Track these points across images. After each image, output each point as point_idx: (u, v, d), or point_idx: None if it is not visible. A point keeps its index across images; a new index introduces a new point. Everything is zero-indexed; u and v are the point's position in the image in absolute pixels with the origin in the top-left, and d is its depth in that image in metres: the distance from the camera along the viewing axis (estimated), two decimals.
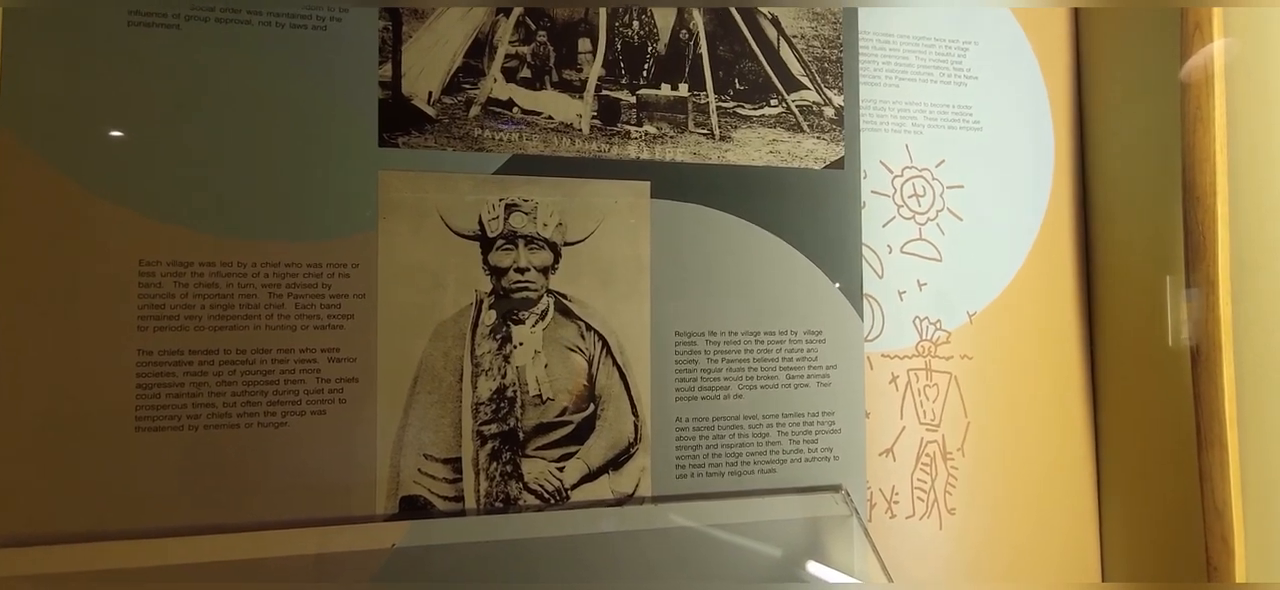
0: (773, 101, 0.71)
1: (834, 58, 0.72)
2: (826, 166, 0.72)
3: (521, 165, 0.64)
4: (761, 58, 0.71)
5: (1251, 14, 0.63)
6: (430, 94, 0.63)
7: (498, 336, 0.63)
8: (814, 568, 0.68)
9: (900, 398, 0.76)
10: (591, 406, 0.65)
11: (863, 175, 0.74)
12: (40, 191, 0.55)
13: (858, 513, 0.69)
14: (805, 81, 0.72)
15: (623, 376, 0.66)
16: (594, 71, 0.66)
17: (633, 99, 0.67)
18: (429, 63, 0.63)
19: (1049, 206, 0.80)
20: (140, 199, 0.56)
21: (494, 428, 0.63)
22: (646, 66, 0.68)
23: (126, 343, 0.56)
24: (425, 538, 0.60)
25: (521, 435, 0.63)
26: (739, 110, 0.70)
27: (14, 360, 0.54)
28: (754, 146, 0.70)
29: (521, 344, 0.64)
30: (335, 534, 0.58)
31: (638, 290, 0.66)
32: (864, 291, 0.73)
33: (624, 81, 0.67)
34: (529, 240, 0.64)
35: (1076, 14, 0.83)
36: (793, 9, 0.71)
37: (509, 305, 0.63)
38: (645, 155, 0.67)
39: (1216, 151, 0.63)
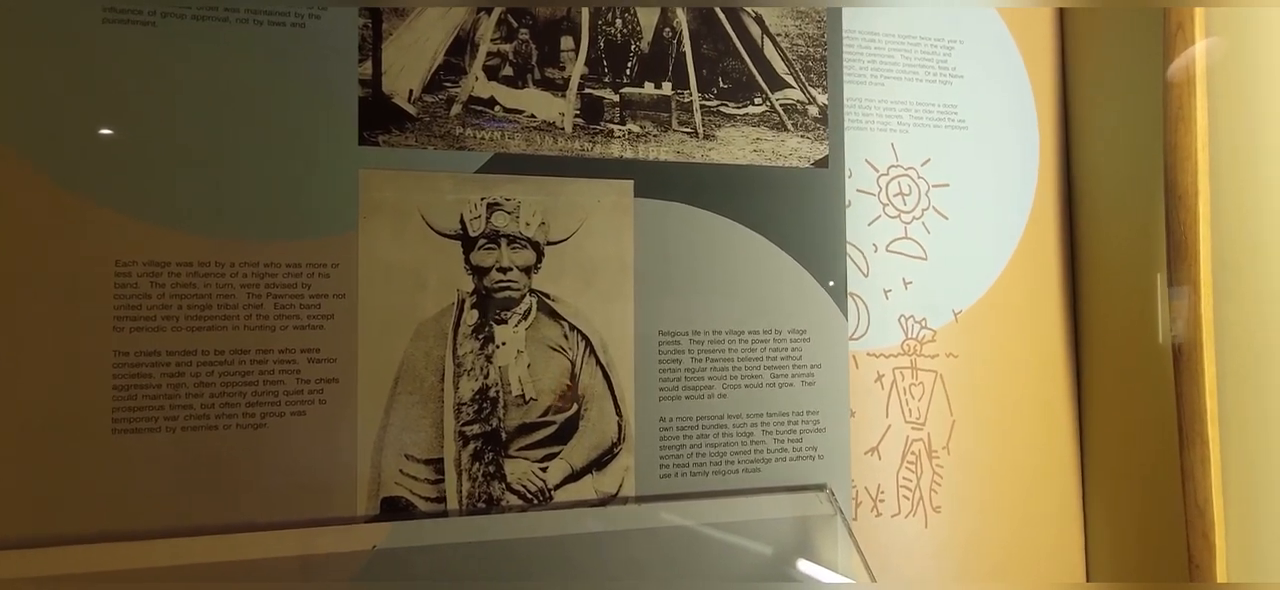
0: (757, 100, 0.70)
1: (818, 56, 0.72)
2: (811, 165, 0.71)
3: (504, 164, 0.64)
4: (745, 56, 0.70)
5: (1233, 13, 0.63)
6: (411, 92, 0.62)
7: (480, 336, 0.63)
8: (799, 566, 0.68)
9: (886, 396, 0.76)
10: (575, 406, 0.65)
11: (848, 174, 0.74)
12: (13, 189, 0.54)
13: (842, 511, 0.69)
14: (790, 80, 0.71)
15: (606, 376, 0.65)
16: (577, 70, 0.66)
17: (616, 97, 0.67)
18: (410, 61, 0.62)
19: (1034, 205, 0.81)
20: (116, 197, 0.56)
21: (476, 428, 0.62)
22: (630, 65, 0.67)
23: (102, 344, 0.55)
24: (407, 539, 0.60)
25: (504, 435, 0.63)
26: (723, 109, 0.69)
27: None
28: (738, 145, 0.70)
29: (504, 344, 0.63)
30: (316, 535, 0.58)
31: (621, 290, 0.66)
32: (849, 290, 0.73)
33: (607, 80, 0.67)
34: (511, 239, 0.64)
35: (1061, 13, 0.83)
36: (776, 8, 0.71)
37: (491, 305, 0.63)
38: (629, 154, 0.67)
39: (1198, 150, 0.63)
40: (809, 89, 0.72)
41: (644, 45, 0.68)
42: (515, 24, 0.65)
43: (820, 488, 0.70)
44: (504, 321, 0.63)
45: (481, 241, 0.63)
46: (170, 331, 0.57)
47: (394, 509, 0.60)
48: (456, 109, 0.63)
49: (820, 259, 0.71)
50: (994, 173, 0.80)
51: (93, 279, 0.55)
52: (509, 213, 0.64)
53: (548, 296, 0.65)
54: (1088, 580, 0.79)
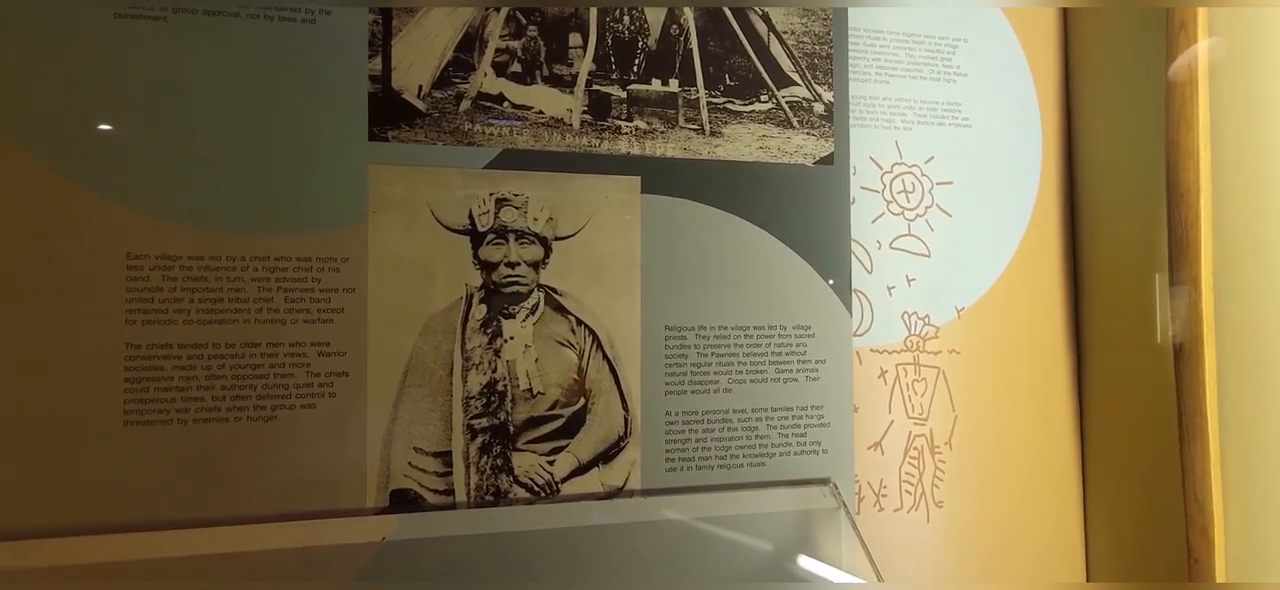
0: (763, 97, 0.71)
1: (824, 54, 0.73)
2: (816, 162, 0.72)
3: (512, 160, 0.64)
4: (752, 53, 0.71)
5: (1235, 12, 0.63)
6: (420, 88, 0.63)
7: (488, 331, 0.63)
8: (803, 561, 0.68)
9: (889, 392, 0.77)
10: (582, 400, 0.65)
11: (852, 171, 0.75)
12: (26, 185, 0.55)
13: (846, 506, 0.69)
14: (795, 77, 0.72)
15: (613, 370, 0.66)
16: (584, 66, 0.67)
17: (623, 94, 0.67)
18: (419, 57, 0.63)
19: (1037, 203, 0.81)
20: (128, 193, 0.56)
21: (484, 421, 0.63)
22: (637, 61, 0.68)
23: (114, 337, 0.56)
24: (415, 531, 0.60)
25: (512, 429, 0.63)
26: (729, 106, 0.70)
27: (1, 354, 0.54)
28: (744, 142, 0.70)
29: (512, 338, 0.64)
30: (325, 527, 0.59)
31: (628, 285, 0.67)
32: (853, 287, 0.74)
33: (614, 76, 0.67)
34: (519, 235, 0.64)
35: (1064, 12, 0.83)
36: (783, 7, 0.71)
37: (499, 300, 0.64)
38: (636, 150, 0.67)
39: (1200, 148, 0.63)
40: (814, 86, 0.72)
41: (651, 42, 0.68)
42: (524, 21, 0.65)
43: (824, 482, 0.70)
44: (512, 316, 0.64)
45: (490, 236, 0.64)
46: (182, 324, 0.57)
47: (403, 501, 0.61)
48: (465, 105, 0.64)
49: (825, 255, 0.71)
50: (997, 171, 0.80)
51: (105, 273, 0.56)
52: (517, 208, 0.65)
53: (555, 291, 0.65)
54: (1088, 574, 0.80)
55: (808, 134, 0.72)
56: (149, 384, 0.56)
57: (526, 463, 0.64)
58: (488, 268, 0.64)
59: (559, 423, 0.65)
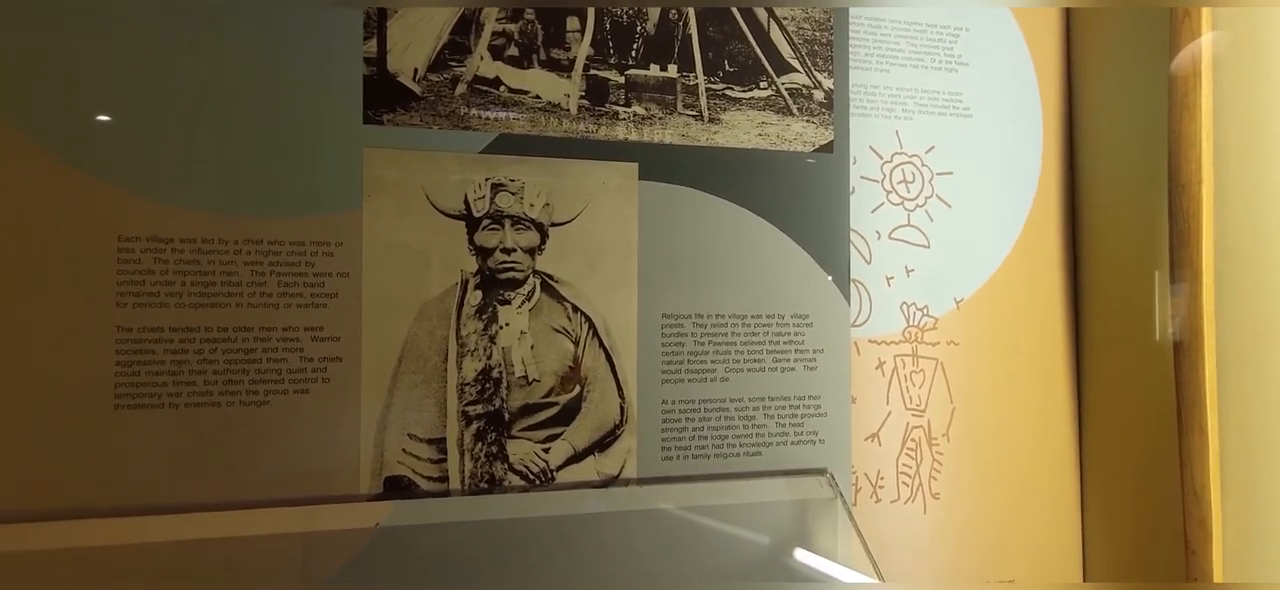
0: (762, 84, 0.70)
1: (824, 41, 0.72)
2: (816, 150, 0.71)
3: (508, 145, 0.64)
4: (751, 39, 0.70)
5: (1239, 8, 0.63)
6: (416, 71, 0.62)
7: (483, 317, 0.63)
8: (799, 552, 0.68)
9: (887, 383, 0.76)
10: (577, 388, 0.65)
11: (852, 160, 0.74)
12: (16, 164, 0.54)
13: (842, 496, 0.69)
14: (795, 64, 0.71)
15: (609, 358, 0.66)
16: (582, 51, 0.66)
17: (621, 79, 0.67)
18: (415, 39, 0.62)
19: (1037, 194, 0.81)
20: (119, 173, 0.55)
21: (479, 408, 0.62)
22: (635, 46, 0.67)
23: (105, 319, 0.55)
24: (409, 518, 0.60)
25: (507, 416, 0.63)
26: (728, 92, 0.69)
27: None
28: (743, 129, 0.70)
29: (507, 324, 0.63)
30: (318, 513, 0.58)
31: (625, 272, 0.66)
32: (852, 277, 0.73)
33: (612, 61, 0.66)
34: (515, 220, 0.64)
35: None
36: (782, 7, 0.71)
37: (495, 286, 0.63)
38: (633, 136, 0.67)
39: (1202, 140, 0.63)
40: (815, 73, 0.72)
41: (650, 27, 0.68)
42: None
43: (821, 472, 0.70)
44: (507, 302, 0.63)
45: (485, 222, 0.63)
46: (174, 308, 0.56)
47: (397, 488, 0.60)
48: (461, 89, 0.63)
49: (824, 245, 0.71)
50: (997, 161, 0.80)
51: (96, 255, 0.55)
52: (513, 193, 0.64)
53: (551, 278, 0.65)
54: (1085, 567, 0.80)
55: (807, 121, 0.71)
56: (140, 368, 0.56)
57: (521, 450, 0.63)
58: (483, 253, 0.63)
59: (554, 410, 0.64)
